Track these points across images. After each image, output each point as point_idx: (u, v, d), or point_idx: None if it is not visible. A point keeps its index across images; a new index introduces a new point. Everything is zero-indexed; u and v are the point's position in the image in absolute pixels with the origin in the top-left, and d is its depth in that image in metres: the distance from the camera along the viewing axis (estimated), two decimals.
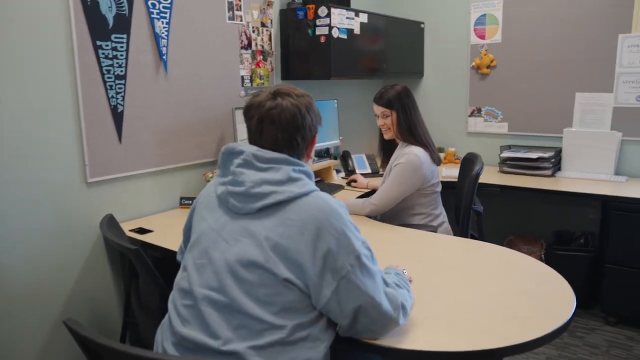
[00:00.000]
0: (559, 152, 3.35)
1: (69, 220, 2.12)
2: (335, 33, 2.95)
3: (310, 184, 1.23)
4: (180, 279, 1.24)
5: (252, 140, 1.28)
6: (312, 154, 1.36)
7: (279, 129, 1.24)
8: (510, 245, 3.54)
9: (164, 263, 2.06)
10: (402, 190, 2.33)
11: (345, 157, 3.44)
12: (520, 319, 1.35)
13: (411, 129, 2.39)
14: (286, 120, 1.24)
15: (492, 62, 3.64)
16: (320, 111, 3.51)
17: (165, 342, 1.21)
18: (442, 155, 3.86)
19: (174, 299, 1.24)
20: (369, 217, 2.40)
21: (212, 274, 1.17)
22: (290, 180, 1.20)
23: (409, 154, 2.32)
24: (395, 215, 2.43)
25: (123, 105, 2.28)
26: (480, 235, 2.58)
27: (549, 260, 3.20)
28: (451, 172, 3.27)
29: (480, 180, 3.12)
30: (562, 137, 3.36)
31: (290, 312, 1.13)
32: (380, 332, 1.23)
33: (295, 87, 1.32)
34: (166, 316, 1.27)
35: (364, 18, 3.18)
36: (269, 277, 1.12)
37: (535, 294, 1.51)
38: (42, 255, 2.05)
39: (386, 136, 2.48)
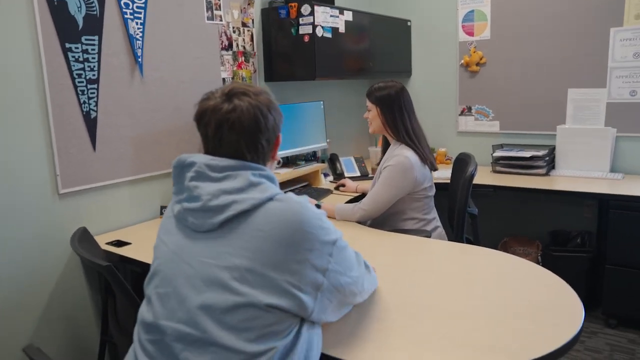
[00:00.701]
0: (552, 150, 3.26)
1: (40, 234, 1.99)
2: (320, 32, 2.84)
3: (274, 187, 1.11)
4: (144, 311, 1.10)
5: (211, 148, 1.14)
6: (277, 155, 1.24)
7: (240, 134, 1.10)
8: (505, 247, 3.45)
9: (144, 278, 1.93)
10: (393, 194, 2.22)
11: (333, 160, 3.33)
12: (526, 333, 1.25)
13: (397, 129, 2.28)
14: (248, 124, 1.10)
15: (481, 59, 3.55)
16: (306, 113, 3.37)
17: None
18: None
19: (139, 333, 1.09)
20: (359, 222, 2.29)
21: (177, 304, 1.03)
22: (251, 185, 1.07)
23: (398, 156, 2.21)
24: (386, 220, 2.32)
25: (96, 111, 2.15)
26: (476, 238, 2.48)
27: (546, 262, 3.11)
28: (443, 173, 3.17)
29: (474, 181, 3.04)
30: (555, 135, 3.28)
31: (270, 336, 1.00)
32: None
33: (251, 84, 1.20)
34: (130, 350, 1.13)
35: (348, 16, 3.08)
36: (245, 301, 0.99)
37: (540, 304, 1.40)
38: (11, 272, 1.91)
39: (370, 129, 2.39)
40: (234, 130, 1.10)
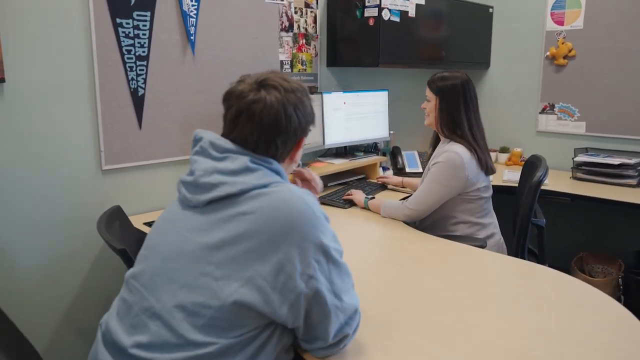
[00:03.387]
0: None
1: (82, 209, 2.00)
2: (386, 15, 2.65)
3: (273, 177, 1.04)
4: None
5: (225, 132, 1.11)
6: (298, 157, 1.16)
7: (257, 127, 1.04)
8: (581, 262, 3.09)
9: None
10: (441, 193, 2.01)
11: (395, 154, 3.13)
12: None
13: (455, 124, 2.05)
14: (268, 120, 1.04)
15: (570, 51, 3.18)
16: (369, 102, 3.16)
17: (99, 331, 1.11)
18: (506, 155, 3.46)
19: (121, 291, 1.12)
20: (407, 223, 2.10)
21: (145, 265, 1.03)
22: (247, 170, 1.01)
23: (448, 152, 1.99)
24: (435, 223, 2.11)
25: (144, 89, 2.12)
26: (541, 253, 2.20)
27: (627, 285, 2.75)
28: (514, 176, 2.88)
29: (548, 187, 2.73)
30: None
31: (215, 330, 0.92)
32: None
33: (288, 77, 1.12)
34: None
35: None
36: (207, 281, 0.94)
37: (609, 354, 1.13)
38: (52, 245, 1.94)
39: (425, 121, 2.18)
40: (251, 122, 1.04)
